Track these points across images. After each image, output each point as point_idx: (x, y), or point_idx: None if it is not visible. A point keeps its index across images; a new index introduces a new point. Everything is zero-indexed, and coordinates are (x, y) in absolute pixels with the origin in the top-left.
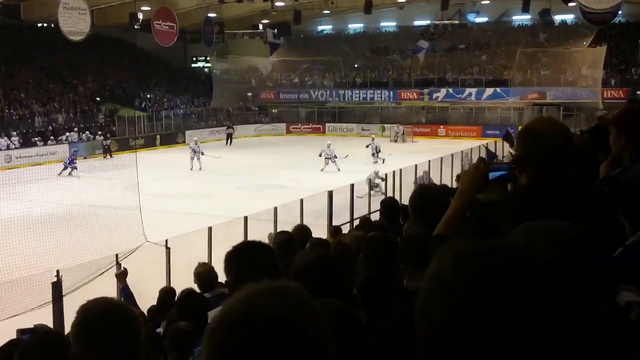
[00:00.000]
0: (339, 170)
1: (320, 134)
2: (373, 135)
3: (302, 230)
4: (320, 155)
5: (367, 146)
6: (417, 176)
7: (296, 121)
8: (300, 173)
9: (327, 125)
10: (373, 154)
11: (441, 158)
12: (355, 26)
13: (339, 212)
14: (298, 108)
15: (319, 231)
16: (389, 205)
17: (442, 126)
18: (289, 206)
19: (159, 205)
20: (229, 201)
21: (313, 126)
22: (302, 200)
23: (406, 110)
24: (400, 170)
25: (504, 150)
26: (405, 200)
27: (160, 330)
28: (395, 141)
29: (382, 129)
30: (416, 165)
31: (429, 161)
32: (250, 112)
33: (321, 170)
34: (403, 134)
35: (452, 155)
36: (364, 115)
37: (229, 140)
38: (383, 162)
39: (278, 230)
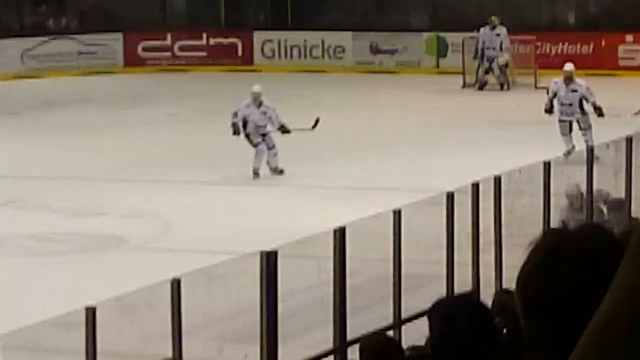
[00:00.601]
0: (278, 172)
1: (238, 67)
2: (570, 67)
3: None
4: (235, 132)
5: (551, 98)
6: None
7: (159, 27)
8: (169, 197)
9: (257, 37)
10: (585, 130)
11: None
12: None
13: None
14: None
15: None
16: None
17: (630, 35)
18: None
19: None
20: None
21: (214, 41)
22: (176, 283)
23: None
24: (499, 180)
25: None
26: None
27: None
28: (482, 85)
29: (432, 49)
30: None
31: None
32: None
33: (254, 176)
34: (506, 65)
35: None
36: (375, 2)
37: None
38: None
39: None
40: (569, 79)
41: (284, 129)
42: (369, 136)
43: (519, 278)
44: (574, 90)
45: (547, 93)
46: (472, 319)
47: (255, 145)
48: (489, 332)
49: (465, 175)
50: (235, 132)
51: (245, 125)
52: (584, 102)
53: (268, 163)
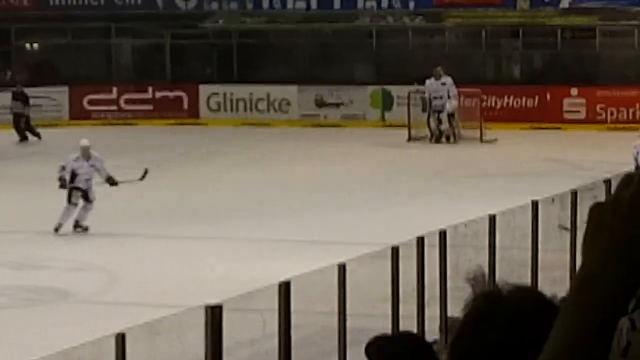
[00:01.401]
0: (83, 229)
1: (184, 120)
2: None
3: None
4: (62, 185)
5: (638, 166)
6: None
7: (105, 81)
8: (114, 251)
9: (203, 91)
10: None
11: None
12: None
13: None
14: (110, 38)
15: None
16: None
17: (574, 88)
18: None
19: None
20: None
21: (160, 95)
22: None
23: (456, 44)
24: (444, 234)
25: None
26: None
27: None
28: (437, 137)
29: (378, 102)
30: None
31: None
32: None
33: (55, 230)
34: (452, 116)
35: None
36: (320, 55)
37: None
38: None
39: None
40: None
41: (111, 181)
42: (314, 189)
43: (452, 337)
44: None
45: (635, 159)
46: (416, 357)
47: (70, 202)
48: None
49: (410, 228)
50: (62, 185)
51: (73, 179)
52: None
53: (77, 216)
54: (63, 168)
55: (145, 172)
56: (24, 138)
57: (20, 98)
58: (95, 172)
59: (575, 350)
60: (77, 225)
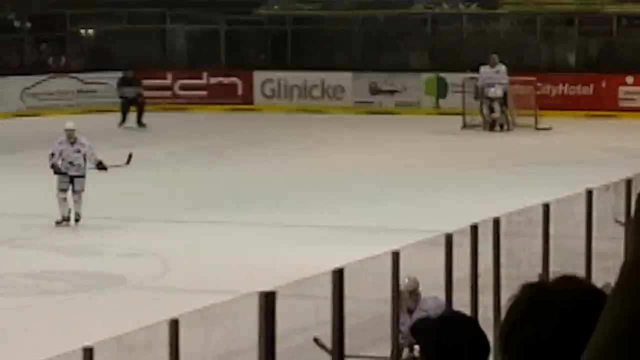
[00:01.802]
0: (75, 219)
1: (238, 106)
2: None
3: None
4: (56, 172)
5: None
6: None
7: (160, 66)
8: (168, 237)
9: (257, 77)
10: None
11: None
12: None
13: None
14: (165, 24)
15: None
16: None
17: (630, 76)
18: None
19: None
20: None
21: (215, 80)
22: None
23: (511, 31)
24: (498, 222)
25: None
26: None
27: None
28: (491, 125)
29: (432, 89)
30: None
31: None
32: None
33: (57, 224)
34: (505, 104)
35: None
36: (374, 42)
37: None
38: None
39: None
40: None
41: (100, 166)
42: (368, 176)
43: (502, 332)
44: None
45: None
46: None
47: (60, 189)
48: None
49: (464, 216)
50: (57, 172)
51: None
52: None
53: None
54: (52, 155)
55: (130, 156)
56: (124, 121)
57: (135, 83)
58: (82, 157)
59: (623, 336)
60: (77, 219)
